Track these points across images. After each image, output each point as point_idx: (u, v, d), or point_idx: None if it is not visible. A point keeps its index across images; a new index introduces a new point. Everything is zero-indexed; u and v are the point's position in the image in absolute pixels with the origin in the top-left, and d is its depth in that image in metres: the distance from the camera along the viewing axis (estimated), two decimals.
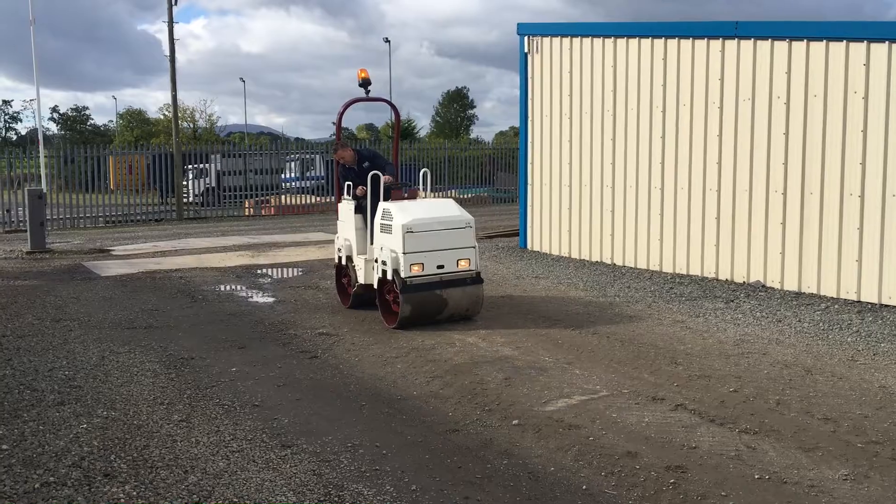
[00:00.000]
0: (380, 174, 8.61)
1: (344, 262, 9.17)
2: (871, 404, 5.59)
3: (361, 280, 8.80)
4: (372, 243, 8.58)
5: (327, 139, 45.97)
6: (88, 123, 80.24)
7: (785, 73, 9.61)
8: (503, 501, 4.18)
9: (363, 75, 9.25)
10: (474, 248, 8.26)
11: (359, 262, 8.85)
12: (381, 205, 8.31)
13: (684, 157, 10.97)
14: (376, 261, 8.29)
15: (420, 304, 7.95)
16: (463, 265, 8.15)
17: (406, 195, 8.53)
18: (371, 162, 9.10)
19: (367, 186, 8.65)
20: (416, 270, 7.91)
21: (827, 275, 9.26)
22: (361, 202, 8.83)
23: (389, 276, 8.01)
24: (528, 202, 14.01)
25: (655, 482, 4.36)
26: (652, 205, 11.51)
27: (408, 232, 7.87)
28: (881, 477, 4.39)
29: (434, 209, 8.26)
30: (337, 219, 9.48)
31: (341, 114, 9.59)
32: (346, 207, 9.10)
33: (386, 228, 8.14)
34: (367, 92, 9.38)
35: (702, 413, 5.45)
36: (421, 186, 8.90)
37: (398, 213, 8.04)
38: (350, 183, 8.99)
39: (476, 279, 8.23)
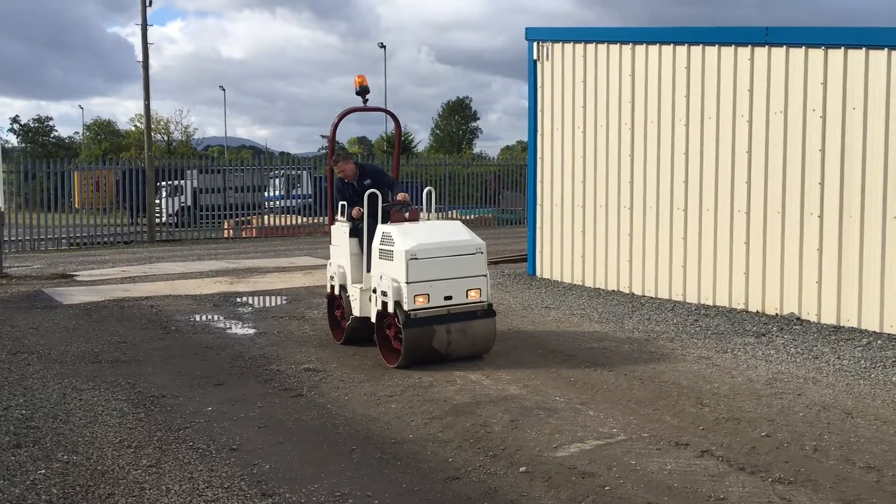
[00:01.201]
0: (377, 193, 8.51)
1: (337, 291, 8.98)
2: None
3: (356, 312, 8.62)
4: (369, 271, 8.42)
5: (315, 153, 46.18)
6: (52, 135, 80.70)
7: (821, 83, 9.68)
8: None
9: (361, 82, 9.16)
10: (486, 276, 8.08)
11: (354, 292, 8.67)
12: (381, 228, 8.15)
13: (710, 176, 11.02)
14: (374, 291, 8.14)
15: (425, 340, 7.76)
16: (473, 296, 7.97)
17: (407, 216, 8.42)
18: (374, 179, 8.92)
19: (364, 206, 8.52)
20: (420, 302, 7.73)
21: (869, 306, 9.25)
22: (357, 224, 8.71)
23: (391, 309, 7.82)
24: (538, 224, 14.04)
25: None
26: (674, 228, 11.53)
27: (411, 259, 7.70)
28: None
29: (440, 233, 8.11)
30: (329, 242, 9.34)
31: (336, 125, 9.48)
32: (341, 230, 8.94)
33: (386, 254, 7.97)
34: (366, 101, 9.31)
35: (730, 460, 5.42)
36: (424, 207, 8.80)
37: (400, 237, 7.87)
38: (345, 203, 8.87)
39: (488, 312, 8.04)
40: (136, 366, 8.30)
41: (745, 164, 10.56)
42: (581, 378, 7.56)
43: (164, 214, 26.91)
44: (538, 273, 14.03)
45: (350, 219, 8.76)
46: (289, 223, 26.42)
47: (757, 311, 10.44)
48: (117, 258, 19.24)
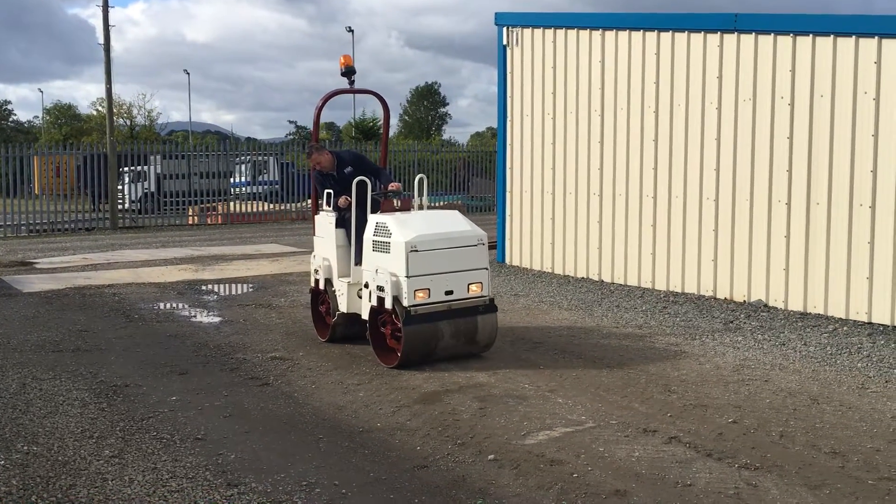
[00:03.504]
0: (366, 181, 8.07)
1: (322, 285, 8.53)
2: (884, 437, 5.67)
3: (343, 308, 8.22)
4: (357, 264, 8.06)
5: (283, 139, 45.84)
6: (11, 119, 79.41)
7: (789, 70, 9.78)
8: None
9: (346, 62, 8.69)
10: (487, 269, 7.75)
11: (340, 287, 8.27)
12: (374, 218, 7.72)
13: (679, 163, 11.10)
14: (365, 286, 7.76)
15: (425, 338, 7.38)
16: (474, 290, 7.60)
17: (398, 205, 8.05)
18: (355, 167, 8.49)
19: (350, 195, 8.10)
20: (420, 297, 7.32)
21: (835, 294, 9.39)
22: (344, 214, 8.29)
23: (388, 305, 7.40)
24: (507, 211, 14.07)
25: None
26: (644, 215, 11.61)
27: (412, 251, 7.28)
28: None
29: (440, 223, 7.70)
30: (312, 233, 8.92)
31: (320, 108, 8.91)
32: (326, 221, 8.50)
33: (381, 246, 7.55)
34: (352, 82, 8.81)
35: (698, 447, 5.49)
36: (416, 195, 8.30)
37: (397, 227, 7.44)
38: (330, 192, 8.41)
39: (490, 307, 7.69)
40: (97, 355, 8.21)
41: (714, 151, 10.64)
42: (550, 365, 7.61)
43: (127, 201, 26.61)
44: (507, 260, 14.06)
45: (336, 209, 8.33)
46: (255, 210, 26.25)
47: (725, 299, 10.55)
48: (79, 245, 19.01)
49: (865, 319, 9.08)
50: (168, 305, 11.09)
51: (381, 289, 7.48)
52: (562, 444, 5.57)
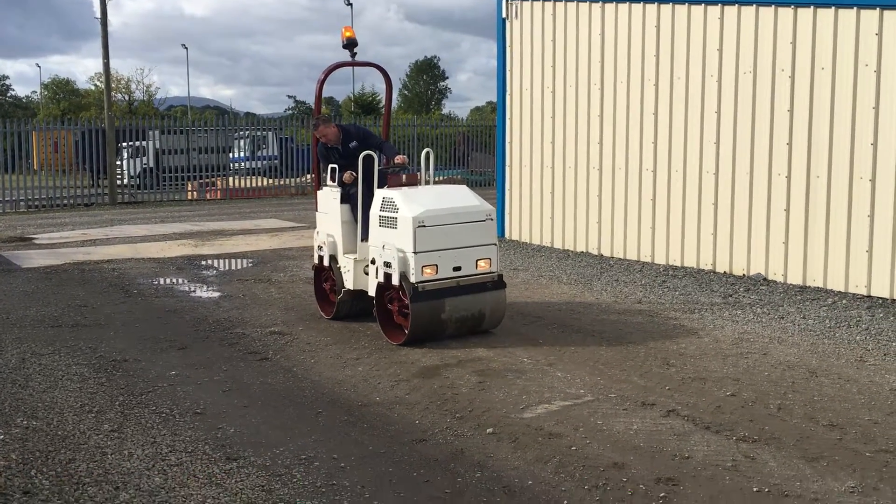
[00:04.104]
0: (373, 155, 7.96)
1: (326, 262, 8.38)
2: (882, 409, 5.67)
3: (349, 285, 8.11)
4: (363, 240, 7.96)
5: (282, 114, 45.70)
6: (9, 94, 79.08)
7: (790, 43, 9.70)
8: None
9: (348, 34, 8.54)
10: (495, 245, 7.65)
11: (346, 263, 8.15)
12: (381, 193, 7.60)
13: (679, 137, 11.05)
14: (372, 262, 7.67)
15: (433, 315, 7.27)
16: (483, 266, 7.51)
17: (404, 180, 7.91)
18: (361, 141, 8.35)
19: (356, 170, 7.94)
20: (428, 273, 7.23)
21: (834, 267, 9.38)
22: (349, 190, 8.16)
23: (395, 281, 7.29)
24: (507, 186, 14.03)
25: (644, 496, 4.39)
26: (643, 189, 11.57)
27: (419, 226, 7.16)
28: (891, 489, 4.45)
29: (447, 198, 7.58)
30: (315, 209, 8.80)
31: (322, 81, 8.75)
32: (330, 196, 8.35)
33: (388, 222, 7.43)
34: (354, 55, 8.68)
35: (696, 420, 5.49)
36: (423, 170, 8.18)
37: (405, 203, 7.32)
38: (335, 166, 8.27)
39: (498, 283, 7.59)
40: (97, 330, 8.21)
41: (714, 124, 10.59)
42: (549, 339, 7.61)
43: (126, 176, 26.53)
44: (507, 235, 14.04)
45: (341, 184, 8.18)
46: (254, 185, 26.17)
47: (724, 272, 10.54)
48: (77, 221, 18.97)
49: (864, 293, 9.07)
50: (167, 280, 11.08)
51: (388, 265, 7.38)
52: (560, 417, 5.57)
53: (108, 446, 5.14)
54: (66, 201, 23.51)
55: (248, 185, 26.09)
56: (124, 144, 26.31)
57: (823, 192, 9.45)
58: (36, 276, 11.30)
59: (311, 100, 71.46)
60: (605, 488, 4.50)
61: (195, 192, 25.54)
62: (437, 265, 7.29)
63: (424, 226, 7.22)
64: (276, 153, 28.58)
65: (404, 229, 7.25)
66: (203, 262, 12.55)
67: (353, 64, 8.87)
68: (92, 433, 5.36)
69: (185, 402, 5.99)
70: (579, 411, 5.68)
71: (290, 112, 65.84)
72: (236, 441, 5.22)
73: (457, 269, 7.40)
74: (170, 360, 7.09)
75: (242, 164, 28.31)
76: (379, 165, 8.03)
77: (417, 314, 7.20)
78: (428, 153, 8.18)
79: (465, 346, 7.36)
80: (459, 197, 7.67)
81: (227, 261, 12.82)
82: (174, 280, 11.13)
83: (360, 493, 4.46)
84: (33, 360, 7.08)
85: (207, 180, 26.02)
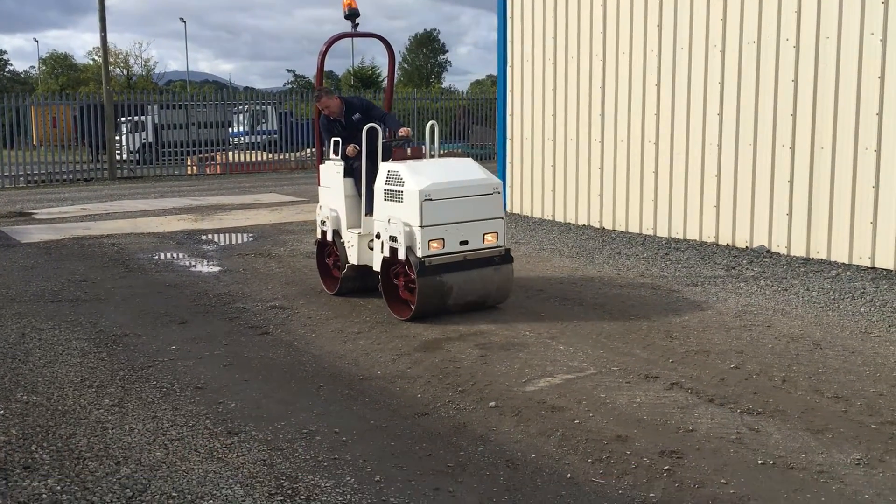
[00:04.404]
0: (377, 127, 7.78)
1: (330, 237, 8.27)
2: (887, 381, 5.63)
3: (354, 260, 8.01)
4: (368, 214, 7.86)
5: (281, 88, 45.46)
6: (7, 70, 78.65)
7: (794, 11, 9.57)
8: (478, 492, 4.16)
9: (349, 4, 8.39)
10: (503, 219, 7.55)
11: (350, 238, 8.05)
12: (386, 166, 7.49)
13: (682, 108, 10.94)
14: (377, 237, 7.56)
15: (440, 290, 7.17)
16: (490, 240, 7.40)
17: (409, 153, 7.74)
18: (364, 114, 8.23)
19: (359, 143, 7.82)
20: (435, 248, 7.14)
21: (838, 239, 9.32)
22: (353, 163, 8.04)
23: (401, 256, 7.20)
24: (508, 159, 13.94)
25: (648, 469, 4.36)
26: (645, 161, 11.49)
27: (426, 199, 7.06)
28: None
29: (453, 171, 7.48)
30: (317, 184, 8.62)
31: (324, 53, 8.59)
32: (332, 170, 8.22)
33: (394, 195, 7.32)
34: (355, 26, 8.52)
35: (700, 392, 5.46)
36: (428, 143, 7.92)
37: (410, 176, 7.22)
38: (337, 140, 8.11)
39: (505, 257, 7.48)
40: (97, 305, 8.17)
41: (718, 95, 10.48)
42: (551, 313, 7.56)
43: (125, 151, 26.41)
44: (508, 208, 13.97)
45: (344, 157, 8.06)
46: (254, 159, 26.08)
47: (727, 245, 10.48)
48: (77, 196, 18.90)
49: (869, 264, 9.01)
50: (167, 255, 11.03)
51: (393, 239, 7.28)
52: (563, 390, 5.54)
53: (108, 421, 5.11)
54: (65, 176, 23.42)
55: (248, 159, 26.01)
56: (123, 119, 26.18)
57: (828, 163, 9.37)
58: (35, 251, 11.26)
59: (310, 74, 71.11)
60: (608, 461, 4.47)
61: (195, 167, 25.46)
62: (443, 239, 7.20)
63: (431, 199, 7.12)
64: (275, 127, 28.45)
65: (410, 203, 7.15)
66: (203, 237, 12.49)
67: (355, 35, 8.70)
68: (92, 408, 5.33)
69: (186, 376, 5.96)
70: (582, 384, 5.64)
71: (290, 86, 65.52)
72: (237, 415, 5.19)
73: (463, 243, 7.31)
74: (170, 335, 7.05)
75: (242, 138, 28.18)
76: (383, 138, 7.90)
77: (424, 289, 7.10)
78: (433, 126, 8.01)
79: (467, 319, 7.31)
80: (466, 170, 7.56)
81: (226, 235, 12.76)
82: (174, 255, 11.08)
83: (363, 468, 4.43)
84: (33, 335, 7.05)
85: (207, 155, 25.91)
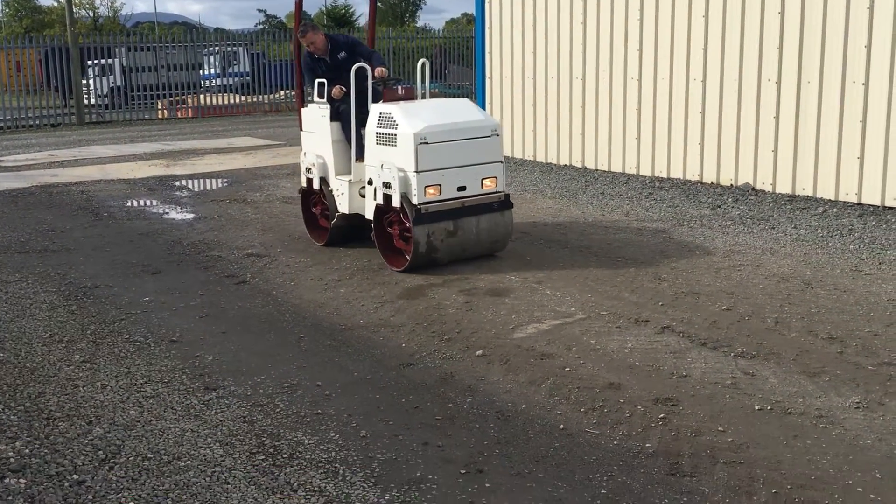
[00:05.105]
0: (366, 67, 7.31)
1: (316, 185, 7.84)
2: (881, 320, 5.52)
3: (344, 209, 7.59)
4: (358, 159, 7.43)
5: (252, 29, 44.44)
6: None
7: None
8: (468, 445, 4.00)
9: None
10: (502, 163, 7.19)
11: (339, 186, 7.62)
12: (377, 108, 7.07)
13: (665, 42, 10.65)
14: (369, 183, 7.16)
15: (438, 238, 6.86)
16: (488, 185, 7.07)
17: (401, 94, 7.28)
18: (349, 52, 7.74)
19: (345, 84, 7.38)
20: (431, 194, 6.78)
21: (824, 175, 9.16)
22: (339, 106, 7.59)
23: (395, 203, 6.83)
24: (487, 99, 13.63)
25: (643, 418, 4.22)
26: (628, 98, 11.23)
27: (421, 143, 6.67)
28: None
29: (450, 112, 7.06)
30: (299, 128, 8.19)
31: None
32: (317, 114, 7.74)
33: (387, 139, 6.93)
34: None
35: (692, 336, 5.32)
36: (419, 82, 7.51)
37: (404, 118, 6.81)
38: (322, 81, 7.59)
39: (505, 203, 7.17)
40: (66, 255, 7.89)
41: (702, 29, 10.19)
42: (536, 256, 7.38)
43: (94, 95, 25.72)
44: None
45: (330, 100, 7.59)
46: (226, 102, 25.53)
47: (712, 183, 10.30)
48: (44, 142, 18.38)
49: (855, 200, 8.88)
50: (139, 202, 10.72)
51: (387, 185, 6.91)
52: (552, 337, 5.38)
53: (79, 378, 4.89)
54: (31, 122, 22.79)
55: (220, 102, 25.45)
56: (91, 63, 25.46)
57: (815, 97, 9.16)
58: (1, 199, 10.90)
59: (282, 14, 69.59)
60: (602, 410, 4.32)
61: (165, 111, 24.88)
62: (440, 185, 6.85)
63: (426, 142, 6.74)
64: (247, 69, 27.77)
65: (405, 147, 6.77)
66: (175, 183, 12.15)
67: None
68: (62, 364, 5.11)
69: (161, 329, 5.74)
70: (571, 330, 5.48)
71: (262, 27, 64.11)
72: (215, 370, 4.99)
73: (461, 188, 6.97)
74: (143, 286, 6.80)
75: (213, 81, 27.55)
76: (372, 78, 7.43)
77: (420, 237, 6.80)
78: (424, 64, 7.60)
79: (449, 264, 7.09)
80: (463, 111, 7.18)
81: (200, 181, 12.43)
82: (146, 202, 10.76)
83: (347, 422, 4.26)
84: None
85: (178, 98, 25.33)
